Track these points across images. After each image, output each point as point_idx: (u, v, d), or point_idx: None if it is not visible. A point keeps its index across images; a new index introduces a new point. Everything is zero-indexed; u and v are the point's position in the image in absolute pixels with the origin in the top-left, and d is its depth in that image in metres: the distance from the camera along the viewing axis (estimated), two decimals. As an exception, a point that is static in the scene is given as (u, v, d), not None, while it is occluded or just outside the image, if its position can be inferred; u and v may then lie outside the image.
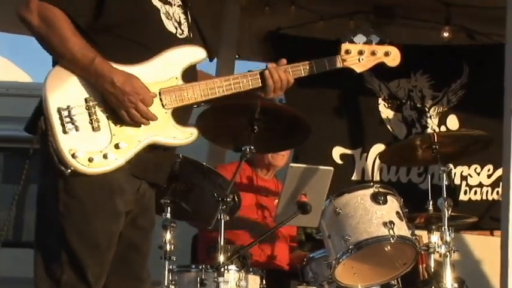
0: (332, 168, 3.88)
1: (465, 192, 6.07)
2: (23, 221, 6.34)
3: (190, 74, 2.72)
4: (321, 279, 3.88)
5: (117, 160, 2.51)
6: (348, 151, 6.02)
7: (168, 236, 3.54)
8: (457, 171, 6.01)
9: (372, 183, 3.97)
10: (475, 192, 6.09)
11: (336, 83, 5.98)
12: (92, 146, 2.49)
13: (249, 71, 2.84)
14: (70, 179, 2.49)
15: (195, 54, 2.72)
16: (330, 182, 3.83)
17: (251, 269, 3.62)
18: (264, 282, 3.70)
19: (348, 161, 6.00)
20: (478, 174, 6.07)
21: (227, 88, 2.73)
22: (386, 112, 6.12)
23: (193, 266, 3.67)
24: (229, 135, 3.73)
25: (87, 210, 2.52)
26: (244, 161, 3.50)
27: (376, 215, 3.74)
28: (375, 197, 3.78)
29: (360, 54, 2.90)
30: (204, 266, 3.55)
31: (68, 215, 2.51)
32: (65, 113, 2.48)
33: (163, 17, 2.69)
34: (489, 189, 6.08)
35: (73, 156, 2.46)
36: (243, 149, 3.51)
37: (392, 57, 2.95)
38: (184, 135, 2.65)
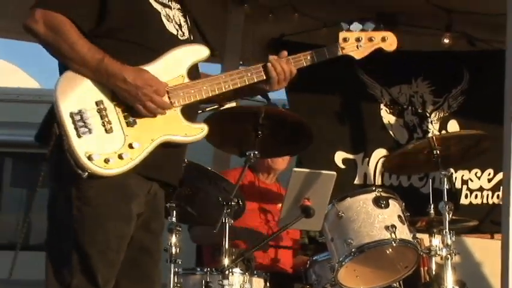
0: (335, 173, 3.90)
1: (466, 196, 6.09)
2: (30, 224, 6.38)
3: (194, 73, 2.74)
4: (324, 282, 3.91)
5: (132, 160, 2.52)
6: (350, 156, 6.04)
7: (173, 239, 3.57)
8: (458, 175, 6.02)
9: (374, 188, 4.01)
10: (476, 196, 6.10)
11: (339, 89, 6.06)
12: (107, 147, 2.50)
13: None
14: (83, 183, 2.50)
15: (198, 52, 2.73)
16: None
17: (255, 272, 3.65)
18: (268, 284, 3.73)
19: (350, 166, 6.01)
20: (479, 178, 6.08)
21: (233, 83, 2.73)
22: (388, 117, 6.15)
23: (199, 269, 3.70)
24: (234, 140, 3.78)
25: (101, 214, 2.52)
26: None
27: (378, 219, 3.77)
28: (377, 201, 3.81)
29: (357, 41, 2.91)
30: (209, 269, 3.58)
31: (81, 219, 2.52)
32: (78, 117, 2.49)
33: (164, 19, 2.71)
34: (489, 193, 6.09)
35: (89, 158, 2.46)
36: (247, 154, 3.57)
37: (389, 42, 2.96)
38: (195, 131, 2.66)
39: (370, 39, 2.94)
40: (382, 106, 6.16)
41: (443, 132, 6.07)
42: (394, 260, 3.83)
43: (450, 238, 3.96)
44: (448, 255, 3.95)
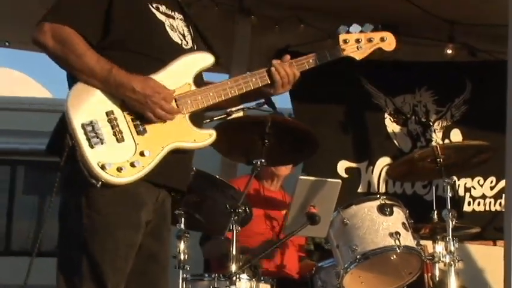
0: (340, 181, 3.96)
1: (469, 204, 6.11)
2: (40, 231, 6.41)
3: (200, 81, 2.78)
4: (329, 288, 3.95)
5: (144, 167, 2.56)
6: (354, 164, 6.06)
7: (182, 245, 3.59)
8: (461, 183, 6.06)
9: (378, 195, 4.05)
10: (479, 204, 6.12)
11: (344, 98, 6.10)
12: (119, 156, 2.53)
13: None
14: (94, 192, 2.53)
15: (203, 60, 2.77)
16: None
17: (262, 278, 3.68)
18: (275, 290, 3.75)
19: (354, 174, 6.04)
20: (481, 186, 6.10)
21: (238, 88, 2.77)
22: (392, 126, 6.18)
23: (206, 275, 3.72)
24: (241, 149, 3.82)
25: (111, 222, 2.56)
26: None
27: (383, 226, 3.82)
28: (382, 209, 3.86)
29: (357, 43, 2.95)
30: (216, 275, 3.60)
31: (91, 227, 2.55)
32: (89, 128, 2.53)
33: (168, 29, 2.75)
34: (492, 200, 6.10)
35: (102, 168, 2.50)
36: (254, 162, 3.62)
37: (388, 41, 3.00)
38: (204, 137, 2.70)
39: (370, 40, 2.98)
40: (386, 115, 6.20)
41: (447, 141, 6.10)
42: (398, 266, 3.86)
43: (453, 245, 4.01)
44: (451, 262, 3.99)
